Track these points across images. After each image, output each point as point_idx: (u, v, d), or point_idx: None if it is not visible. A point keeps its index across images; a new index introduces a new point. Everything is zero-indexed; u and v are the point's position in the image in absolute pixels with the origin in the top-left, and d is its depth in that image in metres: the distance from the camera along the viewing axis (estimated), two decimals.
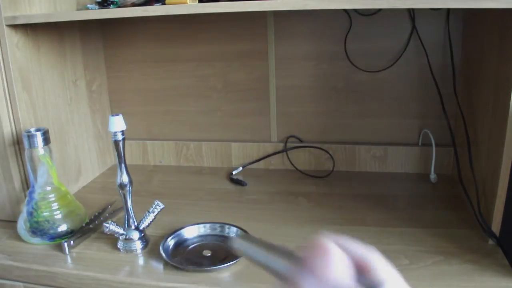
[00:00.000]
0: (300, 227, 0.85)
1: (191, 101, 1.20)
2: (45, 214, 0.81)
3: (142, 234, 0.79)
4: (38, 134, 0.80)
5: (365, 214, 0.89)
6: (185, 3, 0.76)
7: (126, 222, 0.79)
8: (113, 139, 0.75)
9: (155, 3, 0.83)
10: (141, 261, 0.75)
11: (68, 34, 1.03)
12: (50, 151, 0.82)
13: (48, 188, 0.82)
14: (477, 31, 0.91)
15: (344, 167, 1.14)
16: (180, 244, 0.80)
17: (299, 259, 0.28)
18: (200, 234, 0.83)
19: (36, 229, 0.80)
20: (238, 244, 0.31)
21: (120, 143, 0.75)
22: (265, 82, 1.14)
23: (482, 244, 0.76)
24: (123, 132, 0.75)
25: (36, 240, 0.81)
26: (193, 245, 0.79)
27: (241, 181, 1.09)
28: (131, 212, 0.79)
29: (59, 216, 0.82)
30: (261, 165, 1.18)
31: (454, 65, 0.99)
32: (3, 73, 0.84)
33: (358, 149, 1.12)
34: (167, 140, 1.24)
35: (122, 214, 0.93)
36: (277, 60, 1.12)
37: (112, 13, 0.79)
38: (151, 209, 0.81)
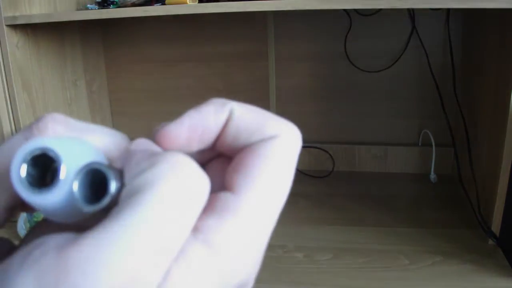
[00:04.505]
0: (300, 227, 0.85)
1: (191, 101, 1.19)
2: None
3: None
4: None
5: (365, 214, 0.89)
6: (185, 3, 0.76)
7: None
8: None
9: (155, 3, 0.83)
10: None
11: (68, 34, 1.03)
12: None
13: None
14: (477, 31, 0.91)
15: (344, 167, 1.14)
16: None
17: None
18: None
19: None
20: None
21: None
22: (265, 82, 1.14)
23: (482, 244, 0.76)
24: None
25: None
26: None
27: None
28: None
29: None
30: None
31: (454, 65, 0.99)
32: (3, 73, 0.84)
33: (358, 149, 1.12)
34: None
35: None
36: (277, 60, 1.12)
37: (112, 13, 0.79)
38: None
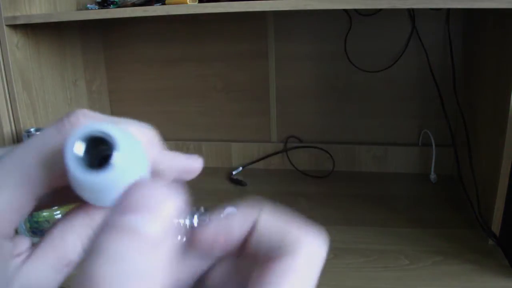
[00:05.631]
0: None
1: (191, 101, 1.20)
2: (44, 214, 0.81)
3: None
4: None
5: (365, 214, 0.89)
6: (185, 3, 0.76)
7: None
8: None
9: (155, 3, 0.83)
10: None
11: (68, 34, 1.03)
12: None
13: None
14: (477, 31, 0.91)
15: (344, 167, 1.14)
16: None
17: None
18: None
19: (36, 229, 0.80)
20: None
21: None
22: (265, 82, 1.14)
23: (482, 244, 0.76)
24: None
25: (36, 240, 0.81)
26: None
27: (241, 181, 1.09)
28: None
29: (59, 216, 0.82)
30: (261, 165, 1.18)
31: (454, 65, 0.99)
32: (3, 73, 0.84)
33: (358, 149, 1.12)
34: (167, 140, 1.23)
35: None
36: (277, 60, 1.12)
37: (112, 13, 0.79)
38: None
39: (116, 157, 0.17)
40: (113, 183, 0.17)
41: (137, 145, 0.18)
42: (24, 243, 0.19)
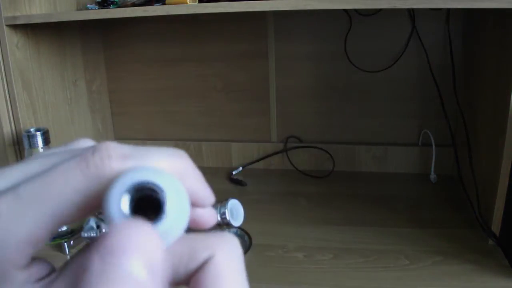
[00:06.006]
0: (300, 227, 0.85)
1: (191, 101, 1.20)
2: None
3: None
4: (38, 134, 0.80)
5: (365, 214, 0.89)
6: (185, 3, 0.76)
7: None
8: None
9: (155, 3, 0.83)
10: None
11: (68, 34, 1.03)
12: None
13: None
14: (477, 31, 0.91)
15: (344, 167, 1.14)
16: None
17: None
18: None
19: None
20: None
21: None
22: (265, 82, 1.14)
23: (482, 244, 0.76)
24: None
25: None
26: None
27: (241, 181, 1.09)
28: None
29: None
30: (261, 165, 1.18)
31: (454, 65, 0.99)
32: (3, 73, 0.84)
33: (358, 149, 1.12)
34: (167, 140, 1.24)
35: None
36: (277, 60, 1.12)
37: (112, 13, 0.79)
38: None
39: (168, 210, 0.17)
40: (162, 234, 0.17)
41: (182, 191, 0.18)
42: (44, 267, 0.19)
